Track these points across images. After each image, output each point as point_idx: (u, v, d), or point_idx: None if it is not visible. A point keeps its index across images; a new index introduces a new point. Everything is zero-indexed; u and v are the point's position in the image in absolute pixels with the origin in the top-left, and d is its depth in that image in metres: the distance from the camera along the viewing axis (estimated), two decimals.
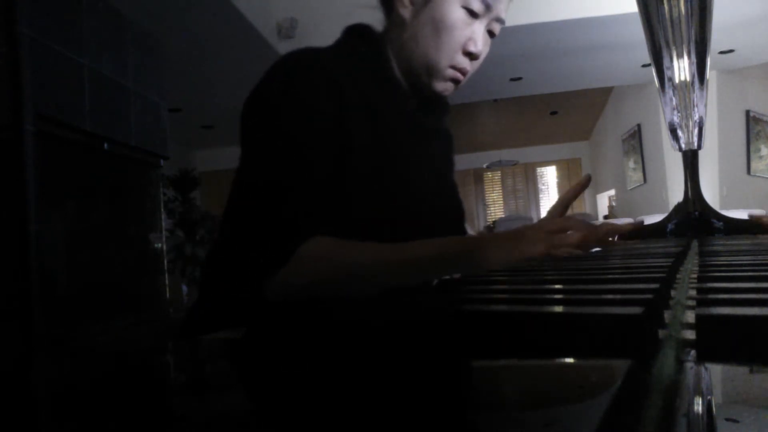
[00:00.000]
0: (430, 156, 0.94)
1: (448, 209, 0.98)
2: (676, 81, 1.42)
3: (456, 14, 0.84)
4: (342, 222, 0.77)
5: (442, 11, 0.83)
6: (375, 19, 0.93)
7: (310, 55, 0.80)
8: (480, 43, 0.86)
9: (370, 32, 0.89)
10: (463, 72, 0.88)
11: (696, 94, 1.42)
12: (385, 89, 0.86)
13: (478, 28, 0.86)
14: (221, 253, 0.82)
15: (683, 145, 1.54)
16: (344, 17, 0.94)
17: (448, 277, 0.83)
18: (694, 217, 1.49)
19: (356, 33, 0.89)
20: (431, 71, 0.86)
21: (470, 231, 1.08)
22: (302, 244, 0.71)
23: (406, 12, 0.86)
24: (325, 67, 0.78)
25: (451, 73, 0.86)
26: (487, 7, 0.85)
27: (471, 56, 0.87)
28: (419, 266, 0.70)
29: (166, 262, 2.74)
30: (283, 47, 4.66)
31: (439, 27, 0.83)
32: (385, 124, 0.83)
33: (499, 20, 0.88)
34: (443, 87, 0.88)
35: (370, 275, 0.71)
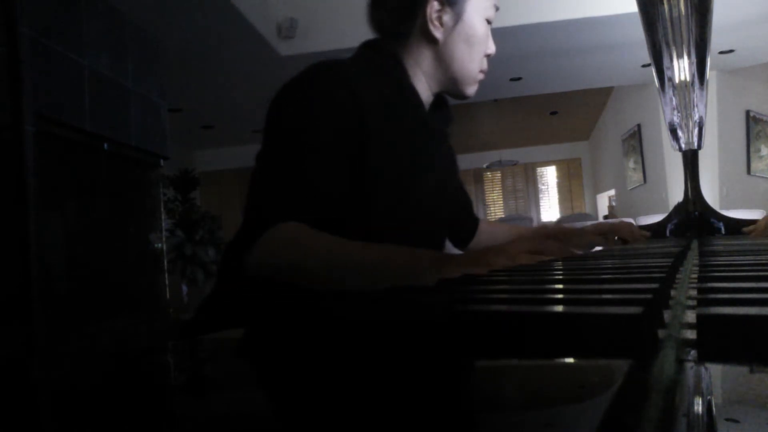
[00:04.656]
0: (441, 156, 1.04)
1: (458, 203, 1.15)
2: (676, 81, 1.42)
3: (482, 27, 0.96)
4: (360, 214, 0.83)
5: (474, 28, 0.95)
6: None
7: (330, 64, 0.87)
8: (492, 43, 0.99)
9: (383, 46, 0.97)
10: (485, 72, 1.00)
11: (696, 94, 1.42)
12: (401, 94, 0.94)
13: (489, 31, 0.98)
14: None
15: (683, 145, 1.54)
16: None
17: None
18: (694, 217, 1.49)
19: (372, 47, 0.98)
20: (467, 79, 0.98)
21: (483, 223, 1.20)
22: (272, 226, 0.76)
23: (438, 33, 0.94)
24: (343, 73, 0.86)
25: (480, 76, 0.99)
26: (496, 11, 0.97)
27: (488, 56, 0.99)
28: (377, 268, 0.74)
29: (166, 262, 2.74)
30: (283, 47, 4.66)
31: (471, 41, 0.95)
32: (401, 123, 0.91)
33: (496, 7, 1.00)
34: (473, 89, 1.00)
35: (331, 265, 0.76)
